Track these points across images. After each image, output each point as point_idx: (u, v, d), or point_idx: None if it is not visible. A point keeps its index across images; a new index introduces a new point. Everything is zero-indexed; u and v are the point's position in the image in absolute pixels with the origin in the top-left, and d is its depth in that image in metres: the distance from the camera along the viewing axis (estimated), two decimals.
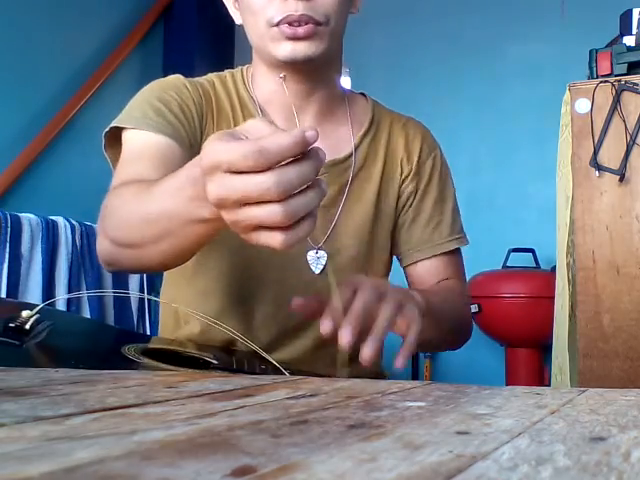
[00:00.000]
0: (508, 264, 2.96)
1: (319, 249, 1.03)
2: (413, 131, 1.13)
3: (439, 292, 1.03)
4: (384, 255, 1.10)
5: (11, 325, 0.79)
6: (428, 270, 1.10)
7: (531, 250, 2.99)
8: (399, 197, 1.10)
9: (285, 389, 0.50)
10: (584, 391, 0.52)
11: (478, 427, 0.35)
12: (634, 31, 1.97)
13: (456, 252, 1.12)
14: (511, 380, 2.88)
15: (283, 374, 0.78)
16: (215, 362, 0.85)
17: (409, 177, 1.10)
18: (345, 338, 0.70)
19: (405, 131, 1.12)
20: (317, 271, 1.02)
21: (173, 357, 0.87)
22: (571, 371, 1.92)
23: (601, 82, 1.90)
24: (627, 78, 1.89)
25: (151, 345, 0.93)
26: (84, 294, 0.66)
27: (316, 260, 1.03)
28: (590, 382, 1.81)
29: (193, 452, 0.27)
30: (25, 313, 0.81)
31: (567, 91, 1.95)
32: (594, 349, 1.85)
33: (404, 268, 1.12)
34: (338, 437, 0.32)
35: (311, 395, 0.47)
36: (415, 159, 1.11)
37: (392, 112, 1.16)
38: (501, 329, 2.87)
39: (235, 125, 1.02)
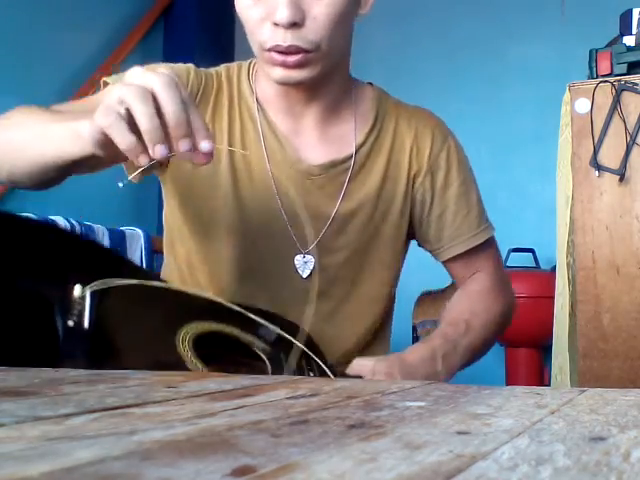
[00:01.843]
0: (508, 264, 2.96)
1: (307, 253, 1.01)
2: (422, 124, 1.08)
3: (459, 320, 1.03)
4: (386, 257, 1.07)
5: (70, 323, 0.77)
6: (463, 264, 1.10)
7: (531, 250, 2.99)
8: (411, 196, 1.06)
9: (285, 389, 0.50)
10: (584, 391, 0.52)
11: (478, 427, 0.35)
12: (634, 31, 1.97)
13: (486, 241, 1.10)
14: (511, 380, 2.88)
15: (329, 376, 0.83)
16: (265, 358, 0.86)
17: (421, 174, 1.06)
18: None
19: (413, 125, 1.08)
20: (304, 275, 1.01)
21: (223, 344, 0.87)
22: (571, 371, 1.92)
23: (601, 82, 1.89)
24: (627, 78, 1.89)
25: (203, 327, 0.88)
26: (124, 282, 0.68)
27: (303, 264, 1.01)
28: (590, 382, 1.81)
29: (193, 452, 0.27)
30: (77, 292, 0.79)
31: (567, 91, 1.95)
32: (594, 349, 1.85)
33: (442, 263, 1.12)
34: (338, 437, 0.32)
35: (311, 395, 0.47)
36: (426, 153, 1.06)
37: (399, 104, 1.11)
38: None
39: (231, 117, 1.02)
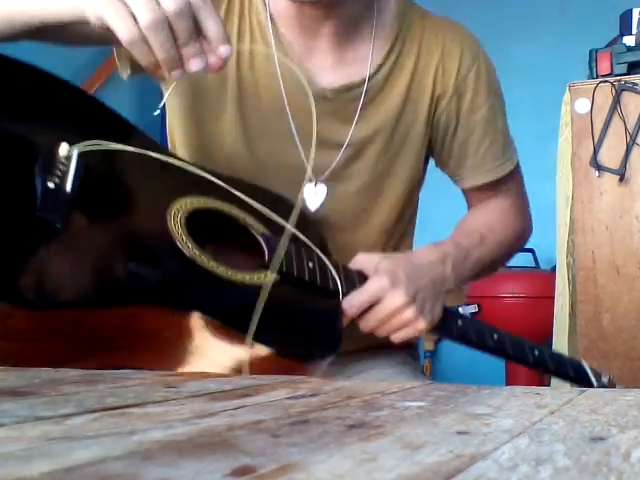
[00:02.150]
0: (508, 264, 2.96)
1: (319, 182, 0.94)
2: (450, 39, 0.98)
3: (474, 230, 0.98)
4: (400, 188, 0.99)
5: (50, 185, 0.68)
6: (484, 193, 1.04)
7: (531, 250, 2.99)
8: (435, 119, 0.98)
9: (285, 389, 0.50)
10: (584, 391, 0.52)
11: (478, 427, 0.35)
12: (634, 31, 1.97)
13: (510, 171, 1.04)
14: (511, 380, 2.88)
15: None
16: (263, 243, 0.80)
17: (446, 96, 0.97)
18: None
19: (440, 41, 0.97)
20: (313, 208, 0.93)
21: (220, 224, 0.81)
22: None
23: (601, 82, 1.89)
24: (627, 78, 1.89)
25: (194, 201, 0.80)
26: (119, 147, 0.65)
27: (314, 195, 0.93)
28: None
29: (193, 452, 0.27)
30: (63, 150, 0.70)
31: (567, 91, 1.95)
32: (594, 349, 1.85)
33: (461, 189, 1.06)
34: (338, 437, 0.32)
35: (311, 395, 0.47)
36: (454, 74, 0.97)
37: (425, 16, 1.00)
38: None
39: (240, 30, 0.93)
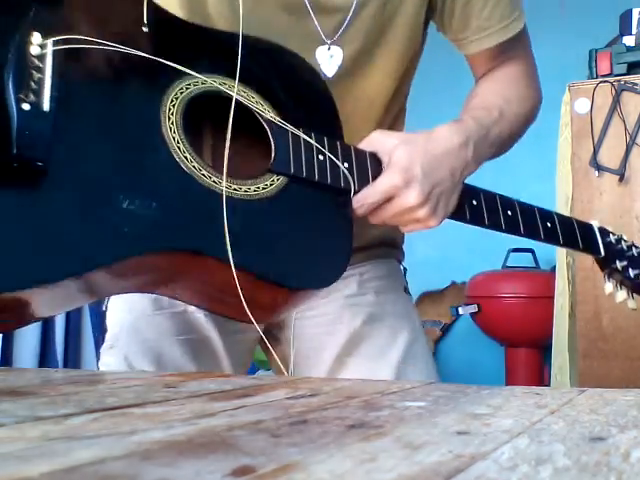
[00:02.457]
0: (508, 264, 2.96)
1: (332, 44, 0.84)
2: None
3: (492, 105, 0.90)
4: (396, 54, 0.91)
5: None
6: (491, 58, 0.96)
7: (531, 250, 2.99)
8: None
9: (284, 389, 0.50)
10: (584, 391, 0.52)
11: (478, 427, 0.35)
12: (634, 31, 1.97)
13: (519, 31, 0.94)
14: (511, 380, 2.88)
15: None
16: (269, 133, 0.72)
17: None
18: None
19: None
20: (330, 73, 0.84)
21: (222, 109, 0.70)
22: (571, 371, 1.92)
23: (601, 82, 1.90)
24: (627, 78, 1.89)
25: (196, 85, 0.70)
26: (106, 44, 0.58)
27: (329, 59, 0.84)
28: (590, 382, 1.81)
29: (193, 452, 0.27)
30: (35, 41, 0.58)
31: (567, 91, 1.95)
32: (594, 349, 1.85)
33: (465, 56, 0.98)
34: (337, 437, 0.31)
35: (311, 395, 0.47)
36: None
37: None
38: (501, 329, 2.87)
39: None
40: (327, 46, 0.84)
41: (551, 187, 2.07)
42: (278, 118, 0.73)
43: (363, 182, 0.75)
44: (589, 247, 0.92)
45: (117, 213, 0.59)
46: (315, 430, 0.33)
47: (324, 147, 0.74)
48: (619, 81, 1.88)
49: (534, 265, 2.97)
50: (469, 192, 0.83)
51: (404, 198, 0.76)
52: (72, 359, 2.31)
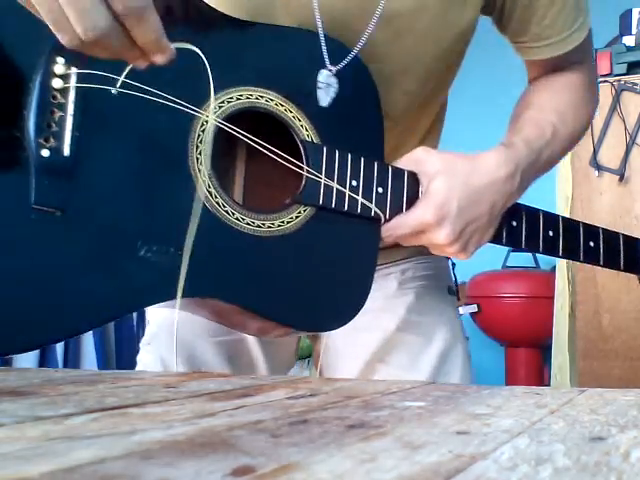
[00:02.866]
0: (508, 264, 2.96)
1: (336, 71, 0.74)
2: None
3: (546, 122, 0.83)
4: (450, 66, 0.86)
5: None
6: (549, 67, 0.89)
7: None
8: None
9: (284, 389, 0.50)
10: (584, 391, 0.52)
11: (478, 427, 0.35)
12: (634, 31, 1.97)
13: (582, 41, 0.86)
14: (511, 380, 2.88)
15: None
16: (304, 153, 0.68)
17: None
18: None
19: None
20: (324, 103, 0.74)
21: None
22: (571, 371, 1.93)
23: (601, 82, 1.89)
24: (627, 78, 1.89)
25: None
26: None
27: (327, 86, 0.74)
28: (590, 382, 1.81)
29: (193, 452, 0.27)
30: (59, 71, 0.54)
31: None
32: (594, 349, 1.85)
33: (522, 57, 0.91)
34: (337, 437, 0.31)
35: (311, 395, 0.47)
36: None
37: None
38: (501, 329, 2.87)
39: None
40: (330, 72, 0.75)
41: (551, 187, 2.07)
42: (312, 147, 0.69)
43: (396, 208, 0.72)
44: (633, 267, 0.85)
45: (134, 261, 0.58)
46: (315, 430, 0.33)
47: (359, 170, 0.70)
48: (619, 81, 1.88)
49: (534, 265, 2.98)
50: (509, 212, 0.78)
51: (434, 235, 0.73)
52: (72, 359, 2.31)
